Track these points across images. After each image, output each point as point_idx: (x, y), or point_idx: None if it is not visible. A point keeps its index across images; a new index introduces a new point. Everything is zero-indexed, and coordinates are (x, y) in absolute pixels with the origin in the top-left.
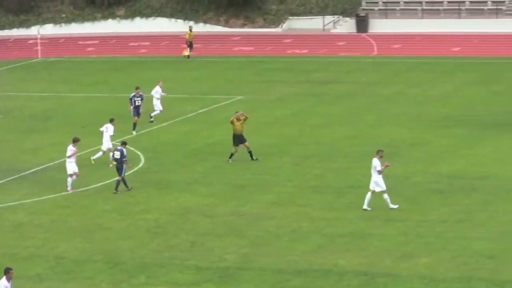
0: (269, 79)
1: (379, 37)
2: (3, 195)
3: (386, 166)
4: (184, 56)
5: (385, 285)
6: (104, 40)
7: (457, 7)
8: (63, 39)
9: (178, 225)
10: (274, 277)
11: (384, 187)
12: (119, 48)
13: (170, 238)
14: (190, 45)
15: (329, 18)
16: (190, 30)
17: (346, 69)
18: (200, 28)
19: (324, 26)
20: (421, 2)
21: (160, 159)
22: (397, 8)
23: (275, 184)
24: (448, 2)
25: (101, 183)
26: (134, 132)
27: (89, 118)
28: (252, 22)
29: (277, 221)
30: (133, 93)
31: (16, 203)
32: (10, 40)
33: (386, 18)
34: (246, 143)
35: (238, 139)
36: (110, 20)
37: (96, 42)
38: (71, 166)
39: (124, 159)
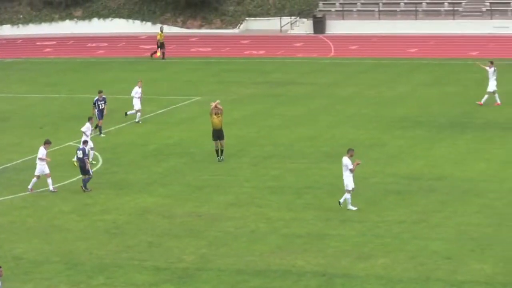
0: (227, 80)
1: (336, 38)
2: None
3: (357, 164)
4: (157, 57)
5: (342, 285)
6: (62, 41)
7: (414, 8)
8: (20, 40)
9: (136, 225)
10: (233, 278)
11: (351, 187)
12: (76, 49)
13: (129, 239)
14: (161, 45)
15: (286, 19)
16: (161, 31)
17: (303, 70)
18: (156, 28)
19: (281, 27)
20: (377, 4)
21: (119, 160)
22: (354, 9)
23: (233, 185)
24: (405, 3)
25: (59, 184)
26: (102, 135)
27: (46, 119)
28: (209, 23)
29: (235, 221)
30: (97, 97)
31: None
32: None
33: (343, 19)
34: (223, 142)
35: (217, 134)
36: (67, 21)
37: (53, 43)
38: (41, 168)
39: (85, 157)
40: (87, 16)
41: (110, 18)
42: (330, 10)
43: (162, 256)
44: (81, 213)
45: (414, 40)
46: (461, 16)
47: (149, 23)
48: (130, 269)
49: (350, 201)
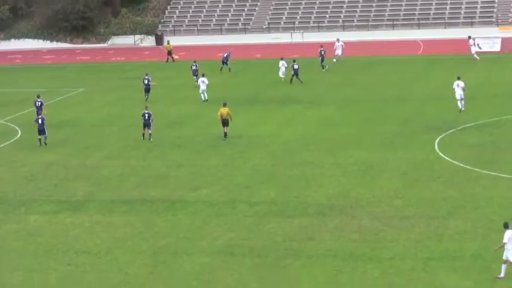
0: (100, 77)
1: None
2: None
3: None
4: (174, 60)
5: (181, 208)
6: None
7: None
8: None
9: (45, 174)
10: (109, 205)
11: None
12: (0, 59)
13: (40, 182)
14: (169, 53)
15: (138, 36)
16: (168, 43)
17: (150, 70)
18: (54, 45)
19: (135, 41)
20: (196, 25)
21: (31, 132)
22: (181, 29)
23: (108, 144)
24: (214, 24)
25: None
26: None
27: None
28: (88, 40)
29: (109, 169)
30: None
31: None
32: None
33: (174, 35)
34: (227, 127)
35: (224, 121)
36: None
37: None
38: None
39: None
40: (7, 37)
41: (22, 39)
42: (166, 30)
43: (63, 193)
44: (8, 166)
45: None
46: (250, 32)
47: (48, 41)
48: (42, 202)
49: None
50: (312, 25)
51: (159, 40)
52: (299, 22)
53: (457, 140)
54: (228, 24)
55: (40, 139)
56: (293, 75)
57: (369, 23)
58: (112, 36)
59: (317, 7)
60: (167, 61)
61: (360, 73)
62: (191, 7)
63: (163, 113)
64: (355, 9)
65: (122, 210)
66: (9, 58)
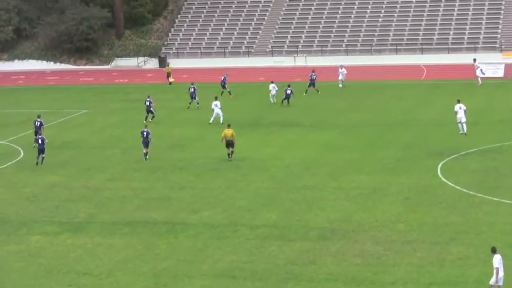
0: (104, 99)
1: (174, 70)
2: None
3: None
4: (171, 83)
5: (182, 230)
6: None
7: (223, 50)
8: None
9: (47, 195)
10: (111, 227)
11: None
12: (3, 80)
13: (42, 204)
14: (168, 75)
15: (141, 59)
16: (168, 65)
17: (153, 92)
18: (57, 66)
19: (138, 64)
20: (199, 47)
21: (34, 153)
22: (185, 51)
23: (110, 166)
24: (218, 46)
25: None
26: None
27: None
28: (91, 62)
29: (111, 190)
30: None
31: None
32: None
33: (178, 57)
34: (233, 148)
35: (228, 142)
36: None
37: None
38: None
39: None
40: (11, 58)
41: (26, 60)
42: (169, 52)
43: (65, 214)
44: (9, 187)
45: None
46: (254, 55)
47: (51, 62)
48: (43, 223)
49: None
50: (315, 49)
51: (162, 62)
52: (302, 46)
53: (460, 165)
54: (231, 47)
55: (37, 157)
56: (284, 99)
57: (373, 48)
58: (116, 58)
59: (321, 31)
60: (170, 83)
61: (363, 97)
62: (194, 29)
63: (165, 135)
64: (359, 33)
65: (124, 232)
66: (12, 78)
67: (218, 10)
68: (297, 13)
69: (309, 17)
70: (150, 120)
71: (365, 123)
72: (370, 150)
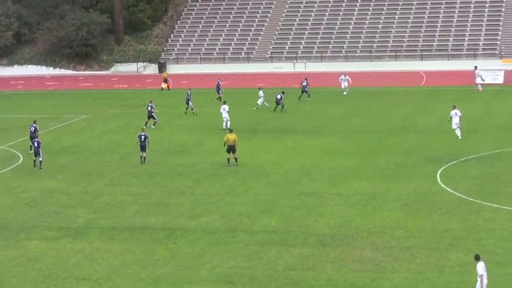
0: (103, 104)
1: (173, 76)
2: None
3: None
4: (162, 89)
5: (181, 236)
6: None
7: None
8: None
9: (46, 200)
10: (110, 232)
11: None
12: (3, 85)
13: (41, 209)
14: (165, 80)
15: (140, 64)
16: (164, 71)
17: (152, 97)
18: (57, 71)
19: (138, 69)
20: (199, 53)
21: (32, 157)
22: (184, 57)
23: (109, 172)
24: (217, 52)
25: None
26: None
27: None
28: (91, 67)
29: (110, 196)
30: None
31: None
32: None
33: (177, 63)
34: (235, 154)
35: (230, 147)
36: None
37: None
38: None
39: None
40: (10, 63)
41: (26, 65)
42: (169, 58)
43: (64, 219)
44: (8, 192)
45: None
46: (253, 61)
47: (51, 68)
48: (42, 229)
49: None
50: (315, 55)
51: (162, 68)
52: (302, 52)
53: (459, 171)
54: (231, 53)
55: (35, 161)
56: (275, 107)
57: (372, 54)
58: (115, 64)
59: (320, 37)
60: (168, 89)
61: (362, 103)
62: (194, 35)
63: (164, 141)
64: (358, 40)
65: (123, 237)
66: (12, 84)
67: (218, 16)
68: (297, 19)
69: (309, 23)
70: (152, 126)
71: (364, 129)
72: (369, 156)
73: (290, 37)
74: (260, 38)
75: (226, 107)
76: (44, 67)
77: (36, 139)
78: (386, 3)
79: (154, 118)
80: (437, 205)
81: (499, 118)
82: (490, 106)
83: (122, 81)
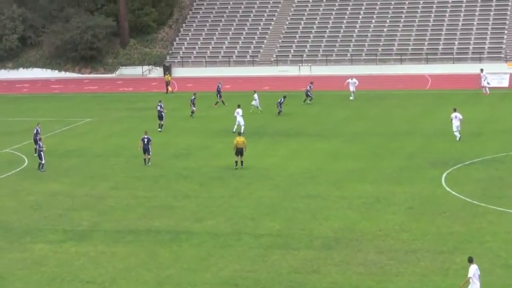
0: (108, 107)
1: (179, 79)
2: None
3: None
4: (168, 92)
5: (185, 239)
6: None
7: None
8: None
9: (50, 203)
10: (114, 236)
11: None
12: (8, 88)
13: (45, 212)
14: (168, 83)
15: (146, 67)
16: (167, 74)
17: (158, 100)
18: (62, 74)
19: (143, 72)
20: (204, 56)
21: (36, 160)
22: (189, 60)
23: (114, 175)
24: (223, 55)
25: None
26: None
27: None
28: (96, 70)
29: (115, 199)
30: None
31: None
32: None
33: (182, 66)
34: (242, 157)
35: (239, 151)
36: (2, 70)
37: None
38: None
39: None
40: (16, 66)
41: (31, 68)
42: (174, 61)
43: (68, 222)
44: (13, 195)
45: (228, 80)
46: (259, 64)
47: (56, 71)
48: (47, 232)
49: None
50: (320, 58)
51: (167, 71)
52: (307, 55)
53: (464, 175)
54: (236, 56)
55: (39, 164)
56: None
57: (377, 57)
58: (120, 67)
59: (326, 40)
60: (172, 92)
61: (367, 107)
62: (199, 38)
63: (169, 144)
64: (364, 43)
65: (127, 240)
66: (17, 87)
67: (223, 19)
68: (302, 22)
69: (314, 26)
70: (159, 129)
71: (369, 132)
72: (374, 159)
73: (296, 40)
74: (265, 41)
75: (239, 110)
76: (49, 70)
77: (39, 142)
78: (392, 7)
79: (162, 119)
80: (442, 208)
81: (504, 121)
82: (495, 110)
83: (127, 84)
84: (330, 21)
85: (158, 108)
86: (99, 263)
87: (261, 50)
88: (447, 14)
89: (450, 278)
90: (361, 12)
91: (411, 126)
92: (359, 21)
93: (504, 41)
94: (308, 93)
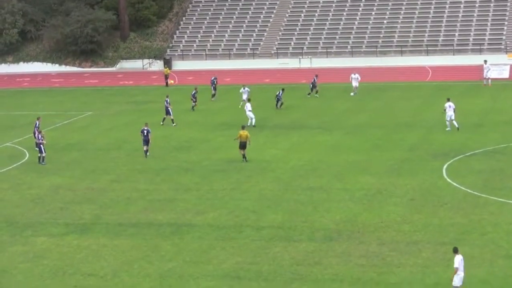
0: (109, 101)
1: (179, 72)
2: None
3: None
4: (169, 85)
5: (187, 231)
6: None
7: (227, 52)
8: None
9: (52, 196)
10: (116, 228)
11: None
12: (8, 82)
13: (47, 205)
14: (166, 77)
15: (146, 60)
16: (166, 67)
17: (158, 94)
18: (62, 68)
19: (143, 65)
20: (205, 49)
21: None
22: (190, 53)
23: (115, 168)
24: (223, 48)
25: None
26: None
27: None
28: (96, 64)
29: (116, 192)
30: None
31: None
32: None
33: (183, 60)
34: (245, 150)
35: (243, 144)
36: (3, 64)
37: None
38: None
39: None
40: (16, 60)
41: (31, 62)
42: (174, 54)
43: (70, 216)
44: (15, 189)
45: (228, 72)
46: (259, 57)
47: (57, 65)
48: (49, 225)
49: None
50: (320, 50)
51: (168, 64)
52: (307, 47)
53: (465, 166)
54: (236, 49)
55: (39, 157)
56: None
57: (378, 49)
58: (121, 60)
59: (326, 32)
60: (172, 84)
61: (368, 99)
62: (199, 31)
63: (171, 137)
64: (364, 35)
65: (129, 233)
66: (17, 81)
67: (223, 12)
68: (302, 14)
69: (314, 19)
70: (161, 122)
71: (370, 124)
72: (375, 151)
73: (296, 33)
74: (265, 34)
75: (249, 105)
76: (49, 64)
77: (37, 135)
78: None
79: (169, 114)
80: (443, 200)
81: (505, 112)
82: (496, 101)
83: (127, 77)
84: (330, 13)
85: (165, 103)
86: (101, 256)
87: (261, 43)
88: (447, 6)
89: (452, 269)
90: (361, 4)
91: (412, 118)
92: (359, 13)
93: (504, 32)
94: (310, 85)
